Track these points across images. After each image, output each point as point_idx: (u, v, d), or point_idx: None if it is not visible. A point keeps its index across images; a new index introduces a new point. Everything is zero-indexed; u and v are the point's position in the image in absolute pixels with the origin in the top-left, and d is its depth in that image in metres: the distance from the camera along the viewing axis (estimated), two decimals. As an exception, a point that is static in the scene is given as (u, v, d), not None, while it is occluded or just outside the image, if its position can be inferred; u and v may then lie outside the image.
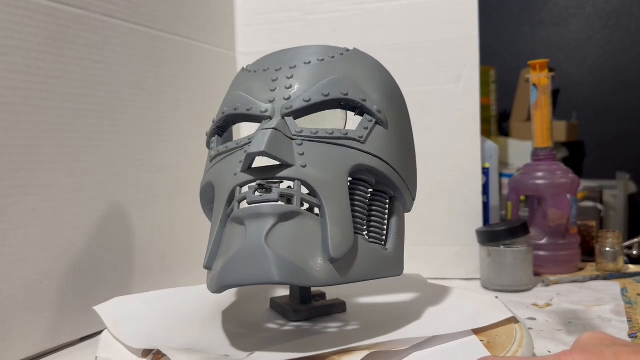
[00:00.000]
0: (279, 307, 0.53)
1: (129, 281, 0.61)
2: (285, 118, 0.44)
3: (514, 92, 2.29)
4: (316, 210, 0.44)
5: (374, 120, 0.47)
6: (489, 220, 0.79)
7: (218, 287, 0.40)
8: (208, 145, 0.50)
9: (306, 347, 0.42)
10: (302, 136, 0.44)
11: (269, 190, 0.42)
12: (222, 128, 0.49)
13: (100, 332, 0.56)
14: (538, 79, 0.77)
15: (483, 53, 0.74)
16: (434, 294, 0.56)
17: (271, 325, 0.50)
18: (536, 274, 0.74)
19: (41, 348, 0.51)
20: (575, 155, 2.44)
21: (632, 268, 0.77)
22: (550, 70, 0.77)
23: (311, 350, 0.41)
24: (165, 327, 0.49)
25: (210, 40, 0.76)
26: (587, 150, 2.57)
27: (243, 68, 0.51)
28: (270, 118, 0.45)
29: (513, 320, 0.48)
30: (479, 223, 0.74)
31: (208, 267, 0.43)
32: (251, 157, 0.42)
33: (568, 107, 2.52)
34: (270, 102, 0.45)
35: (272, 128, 0.43)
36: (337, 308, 0.52)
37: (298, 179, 0.42)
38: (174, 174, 0.68)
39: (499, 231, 0.68)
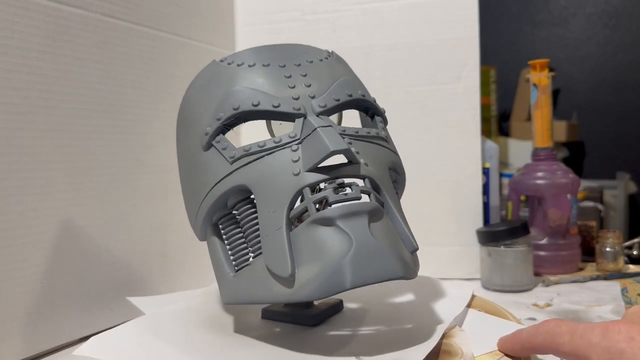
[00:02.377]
0: (282, 315, 0.50)
1: (129, 281, 0.61)
2: (321, 116, 0.43)
3: (514, 92, 2.29)
4: None
5: (383, 122, 0.49)
6: (489, 220, 0.79)
7: (337, 289, 0.37)
8: (208, 145, 0.44)
9: (407, 344, 0.42)
10: (348, 135, 0.44)
11: (347, 188, 0.41)
12: (230, 126, 0.45)
13: (99, 333, 0.56)
14: (538, 79, 0.77)
15: (483, 53, 0.74)
16: (401, 288, 0.61)
17: (332, 332, 0.47)
18: (536, 274, 0.74)
19: (41, 348, 0.51)
20: (576, 155, 2.44)
21: (633, 268, 0.77)
22: (551, 70, 0.77)
23: (418, 342, 0.42)
24: (193, 356, 0.43)
25: (210, 40, 0.76)
26: (587, 150, 2.57)
27: (219, 61, 0.47)
28: (304, 116, 0.43)
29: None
30: (479, 223, 0.74)
31: (293, 274, 0.39)
32: (330, 156, 0.40)
33: (568, 107, 2.52)
34: (295, 99, 0.44)
35: (329, 126, 0.42)
36: (339, 307, 0.53)
37: (367, 177, 0.43)
38: (174, 174, 0.68)
39: (499, 231, 0.68)
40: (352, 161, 0.42)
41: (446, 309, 0.52)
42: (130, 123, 0.62)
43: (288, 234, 0.40)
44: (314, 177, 0.41)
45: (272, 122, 0.52)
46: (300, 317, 0.49)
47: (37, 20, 0.50)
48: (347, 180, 0.42)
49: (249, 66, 0.45)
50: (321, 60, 0.47)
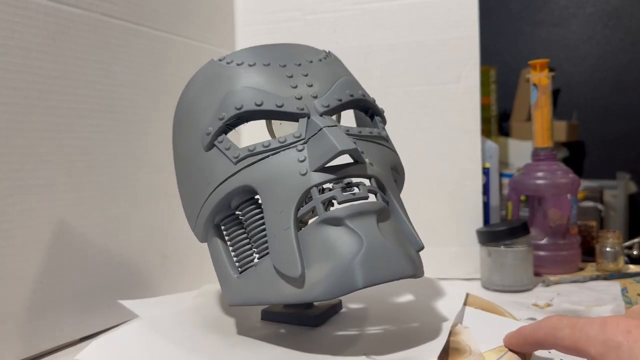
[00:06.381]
0: (283, 316, 0.50)
1: (129, 281, 0.61)
2: (324, 116, 0.43)
3: (514, 92, 2.29)
4: None
5: (382, 122, 0.49)
6: (489, 220, 0.79)
7: (348, 289, 0.37)
8: (210, 145, 0.44)
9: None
10: (352, 135, 0.44)
11: (354, 188, 0.41)
12: (232, 126, 0.44)
13: (99, 333, 0.56)
14: (538, 79, 0.77)
15: (483, 53, 0.74)
16: (398, 287, 0.60)
17: (338, 332, 0.47)
18: (536, 274, 0.74)
19: (41, 348, 0.51)
20: (576, 155, 2.44)
21: (633, 268, 0.77)
22: (551, 70, 0.77)
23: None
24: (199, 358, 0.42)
25: (210, 39, 0.76)
26: (587, 150, 2.57)
27: (217, 60, 0.46)
28: (308, 116, 0.43)
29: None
30: (479, 223, 0.74)
31: (303, 274, 0.39)
32: (338, 155, 0.40)
33: (568, 107, 2.52)
34: (298, 99, 0.43)
35: (335, 126, 0.42)
36: (338, 307, 0.53)
37: (373, 176, 0.43)
38: (174, 174, 0.68)
39: (499, 231, 0.68)
40: (358, 161, 0.42)
41: (446, 307, 0.52)
42: (130, 123, 0.62)
43: (296, 234, 0.39)
44: (322, 177, 0.40)
45: (273, 122, 0.52)
46: (302, 318, 0.49)
47: (37, 20, 0.50)
48: (354, 180, 0.42)
49: (249, 65, 0.45)
50: (320, 60, 0.48)
